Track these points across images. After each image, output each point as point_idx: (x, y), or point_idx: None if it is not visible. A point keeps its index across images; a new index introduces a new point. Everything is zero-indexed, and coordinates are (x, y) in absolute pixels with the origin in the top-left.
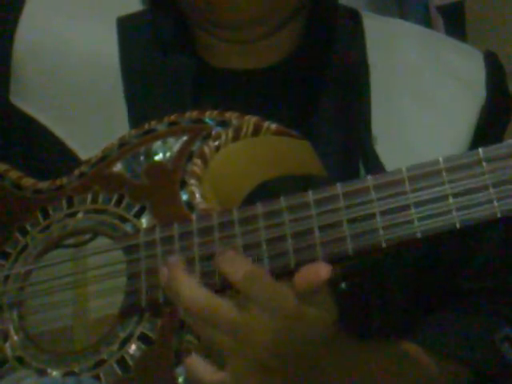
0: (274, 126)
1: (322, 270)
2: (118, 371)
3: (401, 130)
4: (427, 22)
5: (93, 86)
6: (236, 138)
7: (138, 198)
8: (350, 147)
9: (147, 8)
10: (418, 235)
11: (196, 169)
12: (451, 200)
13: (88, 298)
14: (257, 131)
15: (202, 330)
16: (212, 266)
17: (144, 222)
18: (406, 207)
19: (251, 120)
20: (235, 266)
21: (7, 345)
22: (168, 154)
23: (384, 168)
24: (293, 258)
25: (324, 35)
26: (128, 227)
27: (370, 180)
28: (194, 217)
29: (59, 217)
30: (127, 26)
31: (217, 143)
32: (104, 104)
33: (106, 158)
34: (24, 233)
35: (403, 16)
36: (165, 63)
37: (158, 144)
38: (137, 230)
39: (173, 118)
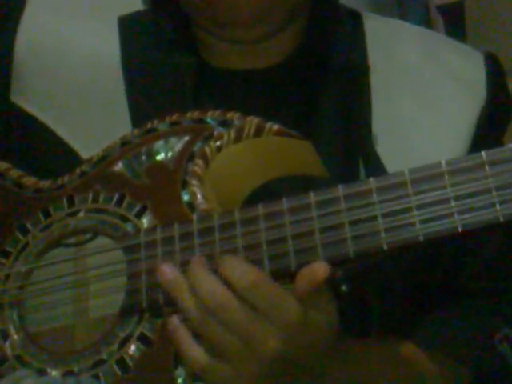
0: (275, 127)
1: (320, 269)
2: (118, 371)
3: (401, 130)
4: (427, 22)
5: (94, 85)
6: (238, 138)
7: (139, 197)
8: (350, 147)
9: (148, 8)
10: (420, 238)
11: (197, 169)
12: (453, 203)
13: (88, 298)
14: (259, 132)
15: (210, 329)
16: (213, 266)
17: (145, 221)
18: (408, 210)
19: (253, 121)
20: (237, 273)
21: (7, 344)
22: (169, 154)
23: (384, 168)
24: (293, 260)
25: (325, 36)
26: (129, 227)
27: (371, 182)
28: (194, 217)
29: (60, 216)
30: (128, 26)
31: (218, 144)
32: (105, 103)
33: (107, 158)
34: (25, 232)
35: (403, 16)
36: (166, 63)
37: (159, 144)
38: (137, 229)
39: (174, 117)
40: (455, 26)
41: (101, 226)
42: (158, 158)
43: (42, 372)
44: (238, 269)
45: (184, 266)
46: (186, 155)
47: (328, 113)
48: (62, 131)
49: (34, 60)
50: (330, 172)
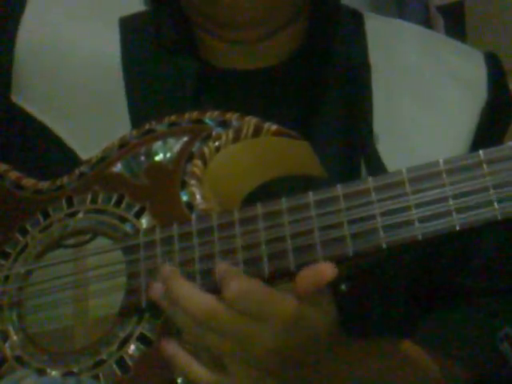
0: (274, 127)
1: (327, 270)
2: (118, 371)
3: (402, 129)
4: (427, 22)
5: (94, 86)
6: (236, 138)
7: (137, 198)
8: (351, 146)
9: (149, 8)
10: (419, 237)
11: (196, 169)
12: (451, 202)
13: (88, 298)
14: (257, 132)
15: (201, 337)
16: (211, 265)
17: (144, 222)
18: (407, 208)
19: (252, 121)
20: (226, 280)
21: (7, 345)
22: (168, 155)
23: (385, 167)
24: (293, 259)
25: (326, 35)
26: (128, 227)
27: (370, 181)
28: (193, 217)
29: (59, 217)
30: (129, 27)
31: (217, 144)
32: (105, 104)
33: (106, 158)
34: (24, 233)
35: (403, 16)
36: (166, 64)
37: (158, 144)
38: (136, 230)
39: (173, 118)
40: (455, 25)
41: (100, 226)
42: (157, 158)
43: (41, 372)
44: (227, 276)
45: (183, 265)
46: (185, 156)
47: (329, 112)
48: (61, 131)
49: (34, 60)
50: (330, 171)
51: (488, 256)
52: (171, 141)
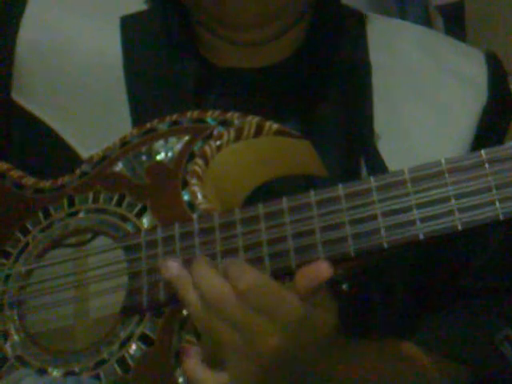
0: (275, 126)
1: (323, 268)
2: (119, 371)
3: (402, 128)
4: (427, 22)
5: (95, 84)
6: (238, 138)
7: (139, 197)
8: (352, 146)
9: (151, 7)
10: (421, 237)
11: (197, 169)
12: (453, 201)
13: (89, 298)
14: (259, 131)
15: (211, 325)
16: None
17: (145, 221)
18: (409, 208)
19: (253, 120)
20: (236, 274)
21: (8, 344)
22: (170, 154)
23: (386, 167)
24: (294, 259)
25: (328, 35)
26: (129, 227)
27: (371, 181)
28: (195, 217)
29: (60, 216)
30: (131, 26)
31: (218, 143)
32: (106, 103)
33: (107, 158)
34: (25, 232)
35: (403, 16)
36: (168, 62)
37: (159, 144)
38: (138, 229)
39: (174, 117)
40: (455, 26)
41: (101, 225)
42: (158, 157)
43: (42, 372)
44: (238, 270)
45: (185, 265)
46: (186, 155)
47: (330, 111)
48: (61, 130)
49: (35, 59)
50: (331, 171)
51: (489, 256)
52: (173, 140)
